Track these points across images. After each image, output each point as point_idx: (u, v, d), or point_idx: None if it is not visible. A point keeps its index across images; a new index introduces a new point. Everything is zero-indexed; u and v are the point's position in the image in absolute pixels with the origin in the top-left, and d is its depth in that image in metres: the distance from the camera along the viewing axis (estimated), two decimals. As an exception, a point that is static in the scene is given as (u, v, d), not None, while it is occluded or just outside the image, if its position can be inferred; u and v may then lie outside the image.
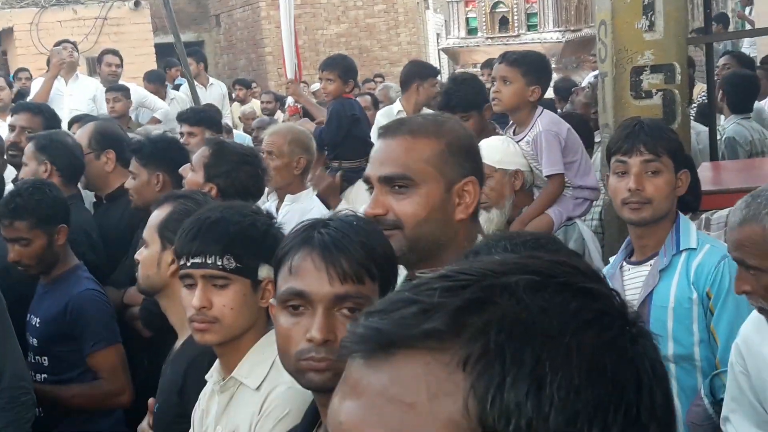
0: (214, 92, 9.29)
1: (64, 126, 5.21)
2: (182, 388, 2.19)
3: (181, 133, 4.86)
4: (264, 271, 1.97)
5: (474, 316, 0.65)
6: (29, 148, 3.93)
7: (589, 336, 0.65)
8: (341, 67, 5.49)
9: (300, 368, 1.50)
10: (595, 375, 0.64)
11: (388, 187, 1.78)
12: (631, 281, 2.66)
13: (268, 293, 1.95)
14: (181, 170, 3.35)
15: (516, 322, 0.65)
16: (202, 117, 5.01)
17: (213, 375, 2.05)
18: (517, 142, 3.72)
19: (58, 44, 7.91)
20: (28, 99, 7.03)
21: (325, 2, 17.50)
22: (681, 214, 2.71)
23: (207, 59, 9.99)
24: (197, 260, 1.96)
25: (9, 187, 3.90)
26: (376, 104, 7.40)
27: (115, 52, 8.17)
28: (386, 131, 1.85)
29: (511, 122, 3.95)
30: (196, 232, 1.98)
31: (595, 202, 4.00)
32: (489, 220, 3.62)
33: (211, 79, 9.69)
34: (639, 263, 2.66)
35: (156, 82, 8.70)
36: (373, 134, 5.09)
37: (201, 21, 18.58)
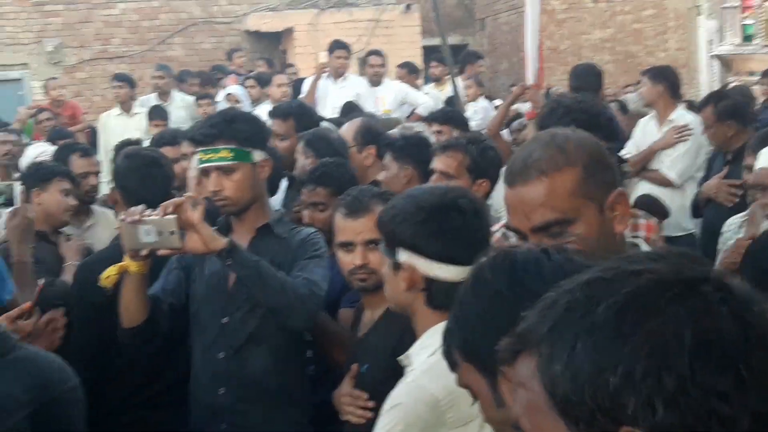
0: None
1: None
2: (396, 350, 2.22)
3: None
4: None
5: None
6: (300, 145, 4.24)
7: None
8: None
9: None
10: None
11: (545, 233, 1.69)
12: None
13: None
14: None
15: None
16: (450, 116, 5.18)
17: None
18: None
19: (332, 48, 8.25)
20: (300, 97, 7.70)
21: (591, 6, 17.18)
22: None
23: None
24: None
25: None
26: (623, 110, 7.31)
27: (379, 53, 8.38)
28: (514, 178, 1.73)
29: None
30: None
31: None
32: None
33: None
34: None
35: (411, 73, 9.10)
36: None
37: (467, 24, 18.90)
